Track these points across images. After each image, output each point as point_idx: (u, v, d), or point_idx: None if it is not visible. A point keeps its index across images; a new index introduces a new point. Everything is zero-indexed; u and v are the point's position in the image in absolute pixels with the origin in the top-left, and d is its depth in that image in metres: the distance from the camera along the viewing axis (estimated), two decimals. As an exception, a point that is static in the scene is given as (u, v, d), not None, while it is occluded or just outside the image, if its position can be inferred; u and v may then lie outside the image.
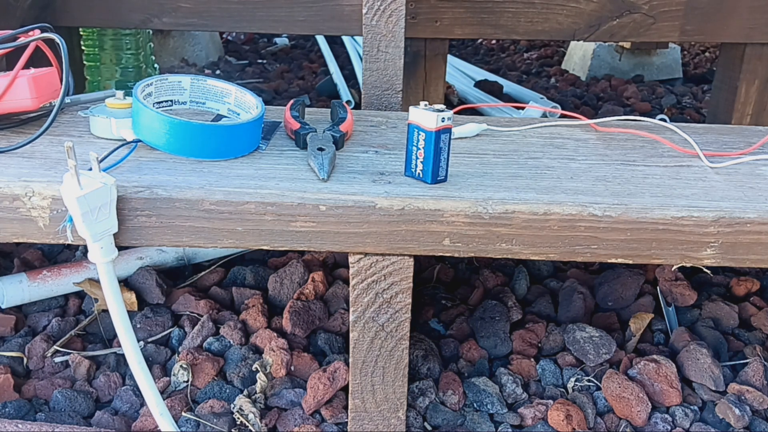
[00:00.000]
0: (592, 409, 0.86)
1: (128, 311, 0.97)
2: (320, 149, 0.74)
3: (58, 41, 0.75)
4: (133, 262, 1.05)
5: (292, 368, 0.90)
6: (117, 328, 0.68)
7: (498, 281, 1.09)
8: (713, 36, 1.28)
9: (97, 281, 0.65)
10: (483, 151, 0.81)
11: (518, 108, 1.75)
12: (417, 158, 0.70)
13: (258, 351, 0.93)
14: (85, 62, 1.49)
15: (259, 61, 2.68)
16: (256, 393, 0.86)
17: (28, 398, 0.87)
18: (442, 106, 0.69)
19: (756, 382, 0.90)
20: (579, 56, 2.60)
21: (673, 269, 1.07)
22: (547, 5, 1.25)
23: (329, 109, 0.92)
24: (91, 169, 0.64)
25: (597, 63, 2.51)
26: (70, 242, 0.65)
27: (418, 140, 0.69)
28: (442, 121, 0.67)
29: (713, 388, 0.89)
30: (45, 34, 0.76)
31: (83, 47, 1.48)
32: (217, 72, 2.46)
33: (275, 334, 0.94)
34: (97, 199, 0.62)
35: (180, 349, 0.93)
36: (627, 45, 2.51)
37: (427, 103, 0.69)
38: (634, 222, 0.67)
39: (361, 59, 2.35)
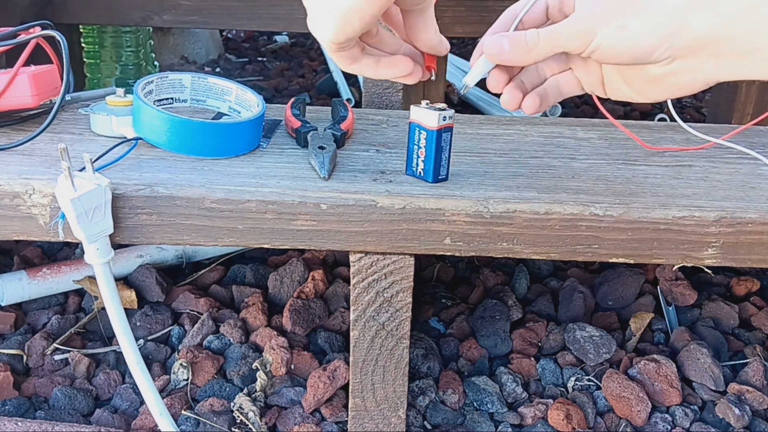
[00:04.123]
0: (592, 409, 0.86)
1: (128, 309, 0.97)
2: (321, 148, 0.74)
3: (59, 38, 0.74)
4: (133, 260, 1.05)
5: (292, 367, 0.90)
6: (115, 328, 0.68)
7: (498, 280, 1.09)
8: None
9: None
10: (484, 150, 0.81)
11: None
12: (418, 157, 0.69)
13: (258, 349, 0.93)
14: (85, 59, 1.49)
15: (259, 58, 2.67)
16: (256, 391, 0.86)
17: (28, 396, 0.86)
18: (443, 105, 0.68)
19: (756, 382, 0.90)
20: (579, 55, 2.59)
21: (673, 269, 1.07)
22: (548, 4, 1.25)
23: (330, 108, 0.92)
24: (84, 169, 0.63)
25: (597, 62, 2.50)
26: (61, 239, 0.65)
27: (419, 139, 0.69)
28: (444, 120, 0.67)
29: (713, 388, 0.89)
30: (45, 32, 0.76)
31: (83, 44, 1.48)
32: (217, 69, 2.46)
33: (275, 333, 0.94)
34: (92, 200, 0.62)
35: (180, 347, 0.93)
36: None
37: (428, 101, 0.69)
38: (635, 221, 0.67)
39: (361, 57, 2.35)
